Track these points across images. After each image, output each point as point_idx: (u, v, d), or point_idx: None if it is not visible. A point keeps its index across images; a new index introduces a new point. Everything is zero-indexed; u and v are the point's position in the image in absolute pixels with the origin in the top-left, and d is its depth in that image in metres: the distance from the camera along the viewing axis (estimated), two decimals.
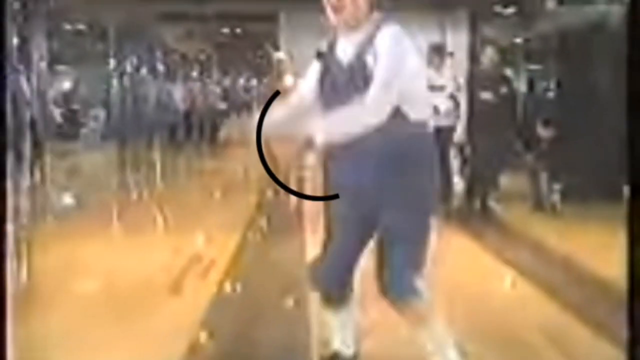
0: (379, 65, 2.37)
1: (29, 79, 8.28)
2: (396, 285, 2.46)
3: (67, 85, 15.35)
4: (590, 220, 6.00)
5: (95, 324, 3.39)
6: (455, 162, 7.08)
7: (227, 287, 4.14)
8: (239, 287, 4.16)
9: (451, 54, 7.47)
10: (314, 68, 2.63)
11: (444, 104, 6.70)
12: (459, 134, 6.87)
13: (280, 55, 9.05)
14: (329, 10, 2.46)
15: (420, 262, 2.48)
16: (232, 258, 4.83)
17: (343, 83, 2.46)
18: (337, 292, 2.65)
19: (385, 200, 2.45)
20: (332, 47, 2.55)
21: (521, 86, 9.87)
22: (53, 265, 4.57)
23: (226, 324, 3.45)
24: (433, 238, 2.50)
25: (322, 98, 2.55)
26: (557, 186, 6.70)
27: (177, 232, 5.91)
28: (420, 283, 2.45)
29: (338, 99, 2.40)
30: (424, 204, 2.50)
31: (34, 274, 4.50)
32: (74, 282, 4.25)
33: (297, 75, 7.15)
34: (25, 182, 7.44)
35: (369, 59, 2.39)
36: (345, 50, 2.49)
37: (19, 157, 7.39)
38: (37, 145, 7.87)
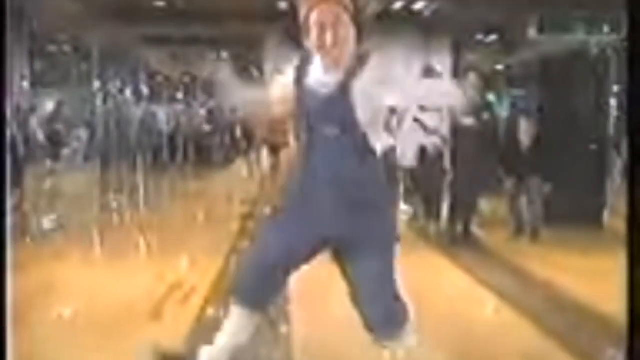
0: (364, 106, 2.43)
1: (10, 99, 8.23)
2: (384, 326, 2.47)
3: (50, 106, 15.25)
4: (570, 245, 6.05)
5: (72, 347, 3.34)
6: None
7: (209, 312, 4.11)
8: (220, 313, 4.11)
9: (440, 75, 7.57)
10: (280, 89, 2.59)
11: (433, 127, 6.77)
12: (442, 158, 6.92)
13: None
14: (317, 50, 2.44)
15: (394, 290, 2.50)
16: (214, 283, 4.79)
17: (321, 114, 2.46)
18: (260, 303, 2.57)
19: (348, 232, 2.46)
20: (303, 75, 2.51)
21: (503, 112, 9.99)
22: (32, 288, 4.50)
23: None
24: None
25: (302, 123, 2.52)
26: (537, 211, 6.73)
27: (159, 256, 5.86)
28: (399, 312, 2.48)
29: (314, 127, 2.45)
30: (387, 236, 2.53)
31: (12, 296, 4.43)
32: (53, 305, 4.19)
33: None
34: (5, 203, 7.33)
35: (353, 96, 2.42)
36: (325, 83, 2.47)
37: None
38: (17, 165, 7.79)
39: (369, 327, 2.50)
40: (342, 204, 2.47)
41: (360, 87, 2.45)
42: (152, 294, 4.37)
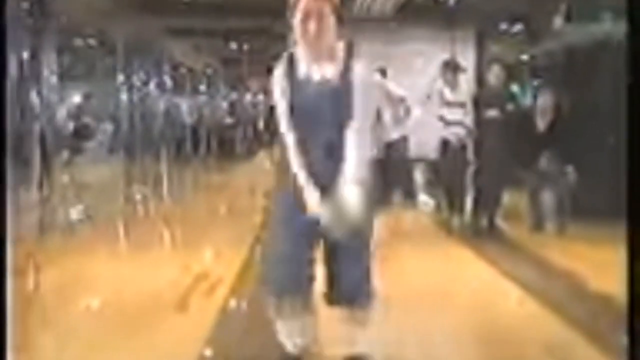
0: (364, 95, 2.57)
1: (38, 93, 8.34)
2: (352, 291, 2.69)
3: (77, 99, 15.42)
4: (594, 237, 5.99)
5: (99, 338, 3.40)
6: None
7: (233, 303, 4.15)
8: (244, 304, 4.16)
9: (464, 70, 7.48)
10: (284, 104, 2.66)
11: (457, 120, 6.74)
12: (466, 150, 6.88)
13: None
14: (303, 42, 2.58)
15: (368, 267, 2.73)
16: (239, 274, 4.84)
17: (324, 106, 2.58)
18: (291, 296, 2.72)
19: None
20: (294, 71, 2.62)
21: (527, 102, 9.88)
22: (60, 279, 4.59)
23: (231, 340, 3.46)
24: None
25: (295, 119, 2.62)
26: (561, 203, 6.66)
27: (183, 247, 5.92)
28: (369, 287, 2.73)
29: (316, 121, 2.57)
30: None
31: (40, 287, 4.52)
32: (79, 296, 4.26)
33: None
34: (33, 195, 7.47)
35: (353, 85, 2.57)
36: (320, 75, 2.59)
37: (27, 169, 7.43)
38: (45, 158, 7.92)
39: (333, 295, 2.72)
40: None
41: (355, 77, 2.58)
42: (177, 285, 4.43)
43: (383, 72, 7.78)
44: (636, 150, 2.30)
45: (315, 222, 2.58)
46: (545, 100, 6.65)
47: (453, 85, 6.84)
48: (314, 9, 2.52)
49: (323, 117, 2.57)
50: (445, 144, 6.86)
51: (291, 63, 2.63)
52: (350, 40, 2.66)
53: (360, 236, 2.66)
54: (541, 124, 6.57)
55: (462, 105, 6.76)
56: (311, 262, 2.70)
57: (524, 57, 10.62)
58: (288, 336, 2.80)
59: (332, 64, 2.59)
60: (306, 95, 2.58)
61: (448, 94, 6.83)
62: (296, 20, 2.55)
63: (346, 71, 2.57)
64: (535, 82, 10.28)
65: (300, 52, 2.62)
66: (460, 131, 6.77)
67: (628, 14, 2.48)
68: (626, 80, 2.36)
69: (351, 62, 2.59)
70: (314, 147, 2.59)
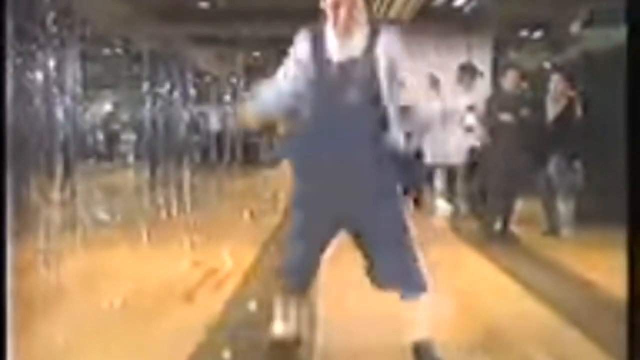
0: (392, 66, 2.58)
1: (63, 103, 8.56)
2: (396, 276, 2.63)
3: (107, 107, 15.79)
4: (607, 243, 5.96)
5: (115, 329, 3.52)
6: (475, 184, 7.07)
7: (242, 295, 4.25)
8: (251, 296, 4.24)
9: (481, 74, 7.51)
10: (292, 70, 2.70)
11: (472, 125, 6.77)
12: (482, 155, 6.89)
13: None
14: (333, 28, 2.58)
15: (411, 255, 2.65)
16: (249, 269, 4.98)
17: (341, 82, 2.57)
18: (303, 285, 2.81)
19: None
20: (319, 48, 2.63)
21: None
22: (82, 274, 4.79)
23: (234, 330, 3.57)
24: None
25: (317, 95, 2.62)
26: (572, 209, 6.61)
27: (201, 248, 6.04)
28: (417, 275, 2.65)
29: (342, 96, 2.56)
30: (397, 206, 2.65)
31: (61, 282, 4.71)
32: (101, 291, 4.41)
33: None
34: (56, 200, 7.66)
35: (378, 60, 2.57)
36: (346, 53, 2.59)
37: (50, 176, 7.63)
38: (67, 165, 8.12)
39: (382, 281, 2.68)
40: (355, 182, 2.60)
41: (381, 57, 2.58)
42: (190, 280, 4.58)
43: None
44: (637, 154, 2.29)
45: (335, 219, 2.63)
46: (556, 83, 6.58)
47: (468, 88, 6.89)
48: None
49: (346, 90, 2.57)
50: (472, 150, 6.86)
51: (316, 41, 2.64)
52: (374, 18, 2.69)
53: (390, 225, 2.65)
54: (552, 111, 6.51)
55: (472, 109, 6.79)
56: (321, 254, 2.73)
57: (542, 63, 10.58)
58: (282, 318, 2.87)
59: (358, 43, 2.59)
60: (333, 72, 2.59)
61: (464, 99, 6.87)
62: (327, 4, 2.56)
63: (370, 48, 2.58)
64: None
65: (329, 32, 2.61)
66: (475, 137, 6.78)
67: (627, 17, 2.47)
68: (625, 85, 2.36)
69: (376, 39, 2.59)
70: (332, 123, 2.59)
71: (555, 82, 6.60)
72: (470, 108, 6.88)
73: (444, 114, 7.25)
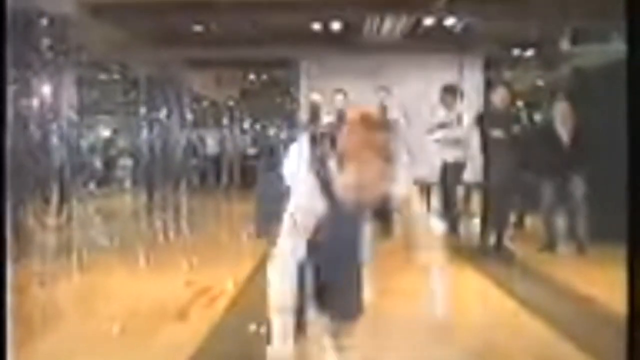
0: None
1: (58, 127, 8.61)
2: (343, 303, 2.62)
3: (104, 133, 15.87)
4: (608, 259, 5.97)
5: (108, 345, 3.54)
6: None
7: (233, 314, 4.26)
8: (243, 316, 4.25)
9: (462, 94, 7.63)
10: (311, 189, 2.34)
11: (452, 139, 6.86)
12: (472, 172, 6.94)
13: (314, 97, 9.34)
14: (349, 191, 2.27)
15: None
16: (241, 288, 5.04)
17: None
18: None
19: None
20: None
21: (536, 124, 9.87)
22: (79, 294, 4.83)
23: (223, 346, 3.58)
24: None
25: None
26: (577, 224, 6.62)
27: (198, 269, 6.07)
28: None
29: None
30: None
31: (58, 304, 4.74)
32: (97, 310, 4.43)
33: (330, 114, 7.45)
34: (52, 225, 7.68)
35: None
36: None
37: (46, 202, 7.66)
38: (62, 191, 8.15)
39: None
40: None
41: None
42: (181, 299, 4.64)
43: (386, 90, 7.96)
44: (636, 169, 2.30)
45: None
46: (562, 107, 6.72)
47: (450, 108, 7.05)
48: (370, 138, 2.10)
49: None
50: (445, 166, 6.97)
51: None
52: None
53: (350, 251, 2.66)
54: (564, 133, 6.63)
55: (446, 125, 6.92)
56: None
57: (532, 80, 10.69)
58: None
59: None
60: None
61: (443, 116, 7.00)
62: (344, 138, 2.16)
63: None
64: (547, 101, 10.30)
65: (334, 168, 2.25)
66: (461, 153, 6.86)
67: (627, 29, 2.46)
68: (626, 101, 2.37)
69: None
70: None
71: (562, 106, 6.71)
72: (444, 125, 7.03)
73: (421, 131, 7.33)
